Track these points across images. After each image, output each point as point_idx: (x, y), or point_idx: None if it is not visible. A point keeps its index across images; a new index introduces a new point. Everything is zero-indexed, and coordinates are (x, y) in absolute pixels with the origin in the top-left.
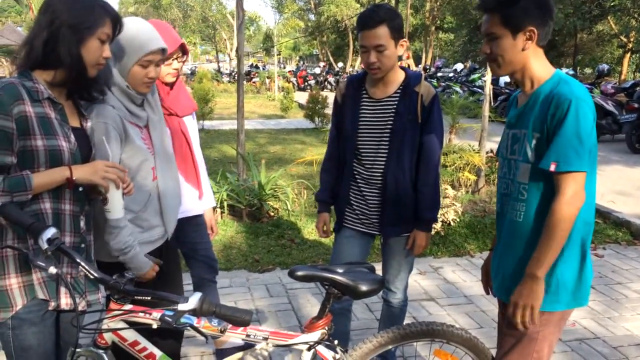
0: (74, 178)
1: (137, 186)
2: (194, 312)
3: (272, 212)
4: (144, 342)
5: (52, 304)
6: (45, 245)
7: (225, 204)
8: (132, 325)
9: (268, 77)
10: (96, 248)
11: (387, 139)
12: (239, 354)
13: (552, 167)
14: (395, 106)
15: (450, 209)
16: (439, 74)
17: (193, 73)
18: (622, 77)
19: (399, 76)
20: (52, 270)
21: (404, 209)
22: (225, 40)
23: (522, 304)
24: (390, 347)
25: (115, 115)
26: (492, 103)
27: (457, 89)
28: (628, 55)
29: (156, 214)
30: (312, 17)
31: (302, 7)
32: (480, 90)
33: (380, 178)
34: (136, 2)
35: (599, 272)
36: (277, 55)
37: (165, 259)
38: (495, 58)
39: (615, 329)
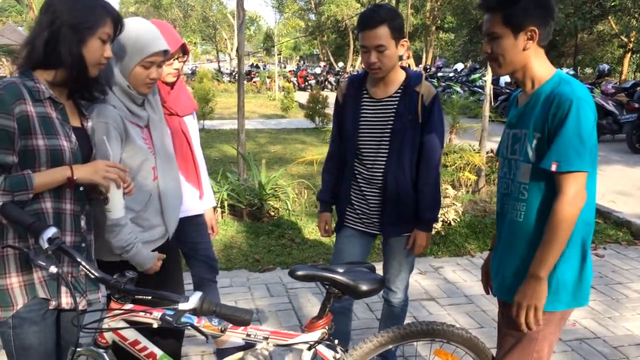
0: (75, 178)
1: (137, 186)
2: (195, 312)
3: (273, 211)
4: (144, 342)
5: (53, 303)
6: (45, 245)
7: (225, 203)
8: (133, 324)
9: (268, 77)
10: (97, 247)
11: (387, 138)
12: (240, 354)
13: (554, 167)
14: (395, 106)
15: (451, 209)
16: (440, 74)
17: (194, 73)
18: (623, 77)
19: (400, 76)
20: (53, 269)
21: (404, 208)
22: (225, 40)
23: (526, 304)
24: (390, 346)
25: (116, 115)
26: (492, 103)
27: (458, 88)
28: (628, 55)
29: (157, 213)
30: (312, 16)
31: (302, 7)
32: (480, 90)
33: (380, 178)
34: (137, 2)
35: (599, 272)
36: (278, 55)
37: (165, 258)
38: (496, 58)
39: (616, 329)
